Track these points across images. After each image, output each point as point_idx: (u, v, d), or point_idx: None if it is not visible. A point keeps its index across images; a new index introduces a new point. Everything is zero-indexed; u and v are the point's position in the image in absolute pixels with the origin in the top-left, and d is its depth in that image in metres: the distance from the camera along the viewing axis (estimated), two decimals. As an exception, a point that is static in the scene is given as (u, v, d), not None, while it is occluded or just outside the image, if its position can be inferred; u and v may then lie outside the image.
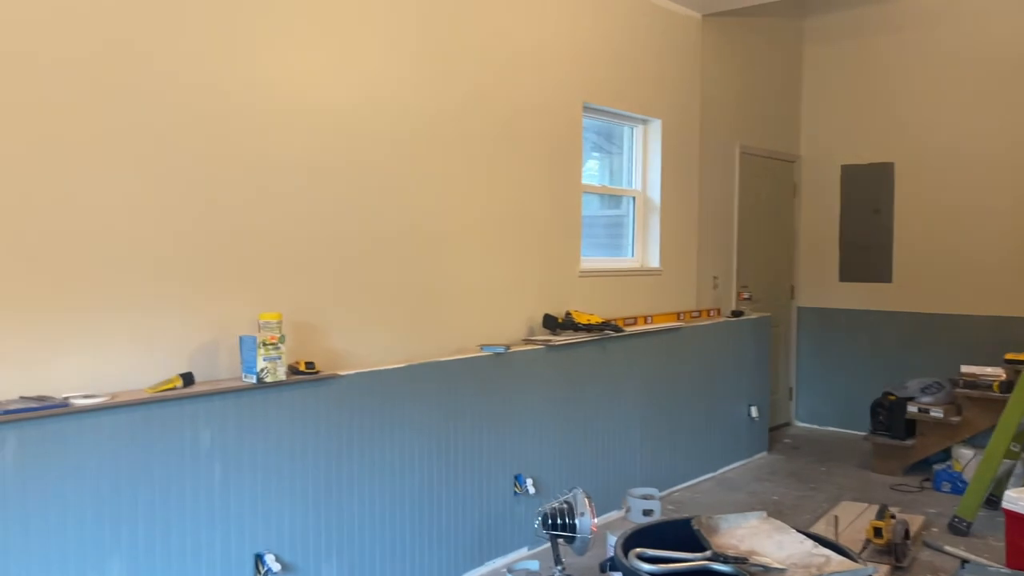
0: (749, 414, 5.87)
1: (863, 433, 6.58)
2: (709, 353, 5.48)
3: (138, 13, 2.84)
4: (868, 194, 6.66)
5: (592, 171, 5.34)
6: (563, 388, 4.36)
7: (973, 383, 5.20)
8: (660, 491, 5.06)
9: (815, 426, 6.99)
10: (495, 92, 4.23)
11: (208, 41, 3.03)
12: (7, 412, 2.37)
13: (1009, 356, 5.05)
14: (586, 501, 3.11)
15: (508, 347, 4.06)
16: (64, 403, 2.50)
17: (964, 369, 5.27)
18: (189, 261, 3.00)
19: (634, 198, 5.49)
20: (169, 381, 2.80)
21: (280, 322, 3.02)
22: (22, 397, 2.54)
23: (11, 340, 2.55)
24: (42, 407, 2.44)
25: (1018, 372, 4.84)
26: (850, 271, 6.78)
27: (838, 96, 6.80)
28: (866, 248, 6.68)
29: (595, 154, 5.46)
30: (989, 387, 5.10)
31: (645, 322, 5.20)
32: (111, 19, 2.77)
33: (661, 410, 5.07)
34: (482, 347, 4.02)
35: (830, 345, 6.87)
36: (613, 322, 4.74)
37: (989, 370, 5.18)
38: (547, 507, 3.25)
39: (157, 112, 2.89)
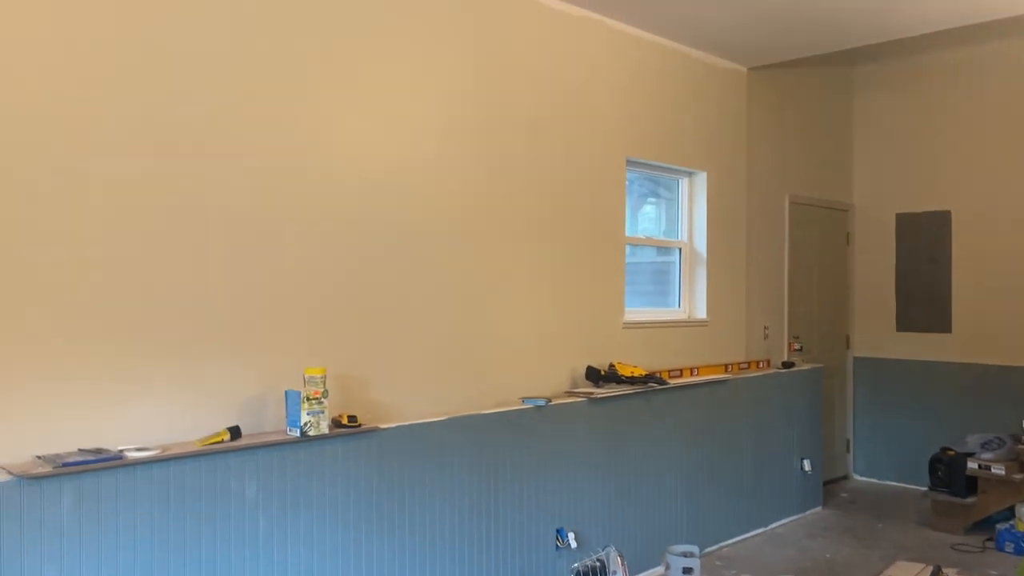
0: (802, 467, 5.76)
1: (923, 488, 6.37)
2: (758, 405, 5.42)
3: (191, 99, 3.04)
4: (924, 243, 6.54)
5: (649, 215, 5.41)
6: (606, 441, 4.37)
7: (1036, 439, 5.01)
8: (707, 546, 4.99)
9: (874, 480, 6.80)
10: (539, 148, 4.35)
11: (265, 118, 3.22)
12: (67, 464, 2.53)
13: (1073, 412, 4.86)
14: (618, 559, 3.12)
15: (550, 400, 4.11)
16: (119, 455, 2.65)
17: (1027, 424, 5.09)
18: (240, 318, 3.15)
19: (680, 249, 5.52)
20: (218, 435, 2.93)
21: (324, 377, 3.14)
22: (80, 450, 2.69)
23: (72, 393, 2.72)
24: (98, 459, 2.59)
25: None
26: (907, 321, 6.64)
27: (891, 144, 6.73)
28: (924, 298, 6.54)
29: (651, 199, 5.53)
30: (1053, 444, 4.91)
31: (691, 374, 5.19)
32: (175, 103, 2.98)
33: (707, 464, 5.02)
34: (523, 400, 4.08)
35: (888, 396, 6.71)
36: (657, 374, 4.75)
37: (1052, 426, 4.99)
38: (580, 564, 3.26)
39: (217, 185, 3.08)
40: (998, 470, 5.17)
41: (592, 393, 4.34)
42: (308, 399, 3.08)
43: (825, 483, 6.51)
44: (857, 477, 6.90)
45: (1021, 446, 5.08)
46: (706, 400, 5.03)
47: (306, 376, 3.13)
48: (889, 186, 6.74)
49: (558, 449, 4.11)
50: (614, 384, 4.56)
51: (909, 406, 6.58)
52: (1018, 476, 5.11)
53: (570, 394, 4.38)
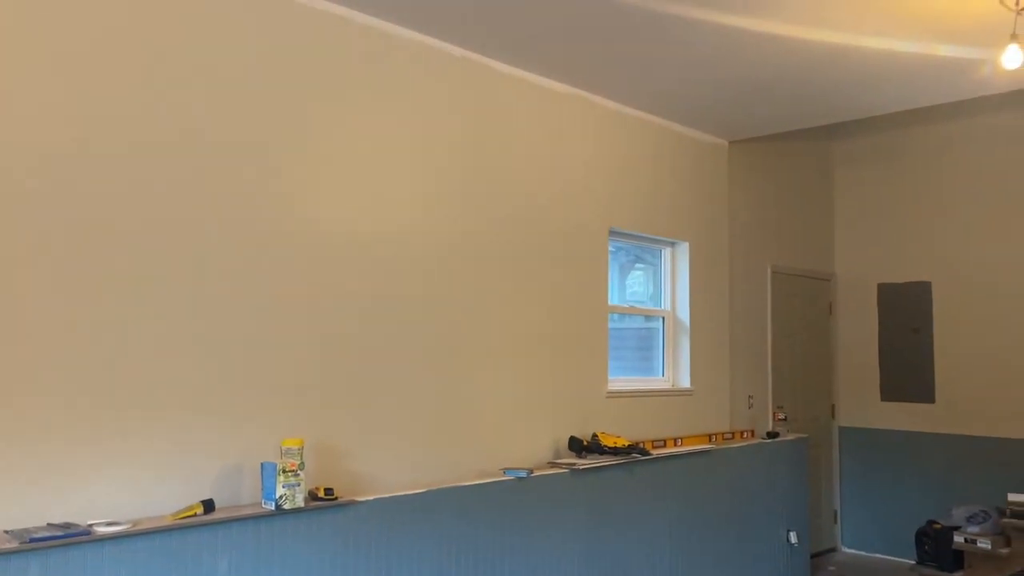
0: (788, 540, 5.69)
1: (911, 562, 6.29)
2: (743, 476, 5.38)
3: (166, 165, 3.09)
4: (906, 313, 6.60)
5: (638, 279, 5.47)
6: (588, 513, 4.32)
7: (1021, 513, 4.99)
8: (692, 622, 4.89)
9: (862, 552, 6.72)
10: (523, 218, 4.41)
11: (243, 187, 3.27)
12: (33, 540, 2.48)
13: (1056, 486, 4.85)
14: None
15: (531, 471, 4.07)
16: (87, 531, 2.60)
17: (1011, 498, 5.08)
18: (217, 388, 3.14)
19: (663, 318, 5.55)
20: (190, 508, 2.89)
21: (301, 448, 3.11)
22: (49, 524, 2.65)
23: (41, 466, 2.69)
24: (66, 535, 2.54)
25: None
26: (892, 391, 6.65)
27: (872, 215, 6.85)
28: (907, 368, 6.57)
29: (640, 264, 5.59)
30: (1038, 518, 4.89)
31: (675, 444, 5.16)
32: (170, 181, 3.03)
33: (692, 536, 4.96)
34: (504, 471, 4.04)
35: (875, 467, 6.67)
36: (641, 444, 4.72)
37: (1037, 499, 4.97)
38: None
39: (190, 252, 3.10)
40: (984, 544, 5.12)
41: (575, 464, 4.31)
42: (284, 471, 3.05)
43: (813, 556, 6.42)
44: (845, 549, 6.81)
45: (1006, 520, 5.04)
46: (690, 471, 4.99)
47: (283, 448, 3.11)
48: (870, 256, 6.84)
49: (540, 522, 4.06)
50: (597, 455, 4.53)
51: (896, 477, 6.54)
52: (1004, 550, 5.06)
53: (553, 465, 4.34)
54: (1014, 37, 3.44)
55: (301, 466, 3.09)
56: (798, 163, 6.69)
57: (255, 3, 3.33)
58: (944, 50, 4.08)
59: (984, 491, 6.00)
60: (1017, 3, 3.43)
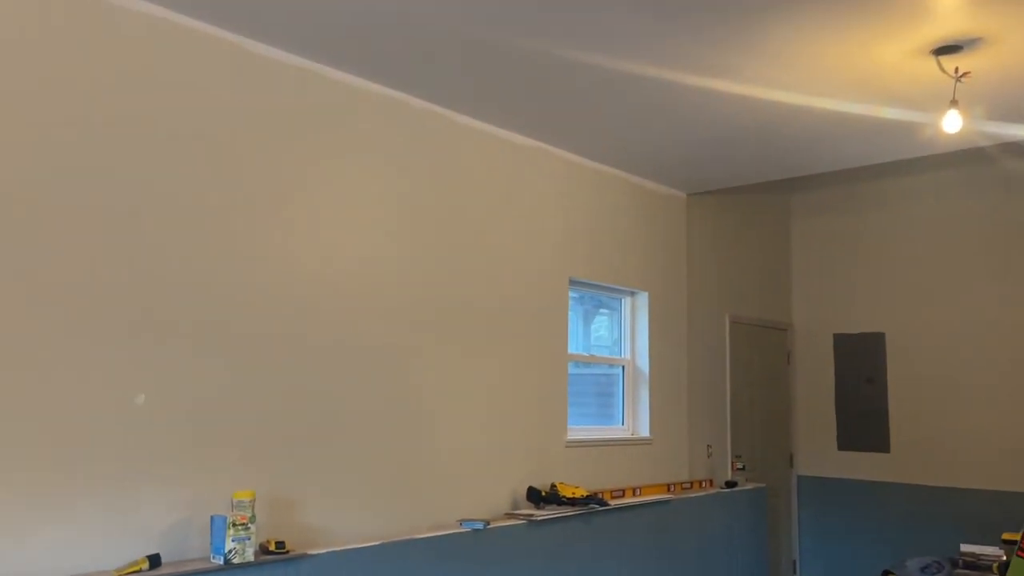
0: (746, 591, 5.69)
1: (869, 612, 6.31)
2: (702, 526, 5.39)
3: (117, 218, 3.09)
4: (861, 363, 6.72)
5: (603, 324, 5.52)
6: (546, 565, 4.29)
7: (973, 564, 5.04)
8: (650, 676, 4.85)
9: (821, 602, 6.73)
10: (484, 267, 4.44)
11: (193, 239, 3.27)
12: (-32, 598, 2.41)
13: (1006, 536, 4.92)
14: None
15: (488, 522, 4.04)
16: (27, 588, 2.53)
17: (964, 548, 5.13)
18: (166, 439, 3.09)
19: (623, 367, 5.59)
20: (135, 564, 2.83)
21: (252, 501, 3.07)
22: (-14, 581, 2.57)
23: (-16, 522, 2.62)
24: (4, 592, 2.47)
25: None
26: (848, 440, 6.74)
27: (827, 267, 7.00)
28: (862, 417, 6.66)
29: (603, 311, 5.64)
30: (989, 568, 4.95)
31: (634, 494, 5.16)
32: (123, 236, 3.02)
33: (650, 587, 4.94)
34: (461, 522, 4.01)
35: (833, 516, 6.72)
36: (599, 495, 4.72)
37: (988, 550, 5.03)
38: None
39: (139, 303, 3.08)
40: (938, 595, 5.16)
41: (532, 515, 4.29)
42: (234, 525, 3.00)
43: (771, 606, 6.42)
44: (804, 599, 6.82)
45: (959, 571, 5.09)
46: (649, 521, 4.99)
47: (234, 500, 3.06)
48: (826, 307, 6.97)
49: (498, 574, 4.02)
50: (555, 505, 4.51)
51: (854, 526, 6.60)
52: (958, 601, 5.10)
53: (510, 516, 4.32)
54: (954, 103, 3.59)
55: (252, 519, 3.05)
56: (756, 215, 6.84)
57: (218, 56, 3.36)
58: (891, 113, 4.23)
59: (938, 541, 6.07)
60: (956, 71, 3.59)
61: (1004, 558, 5.01)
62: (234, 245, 3.36)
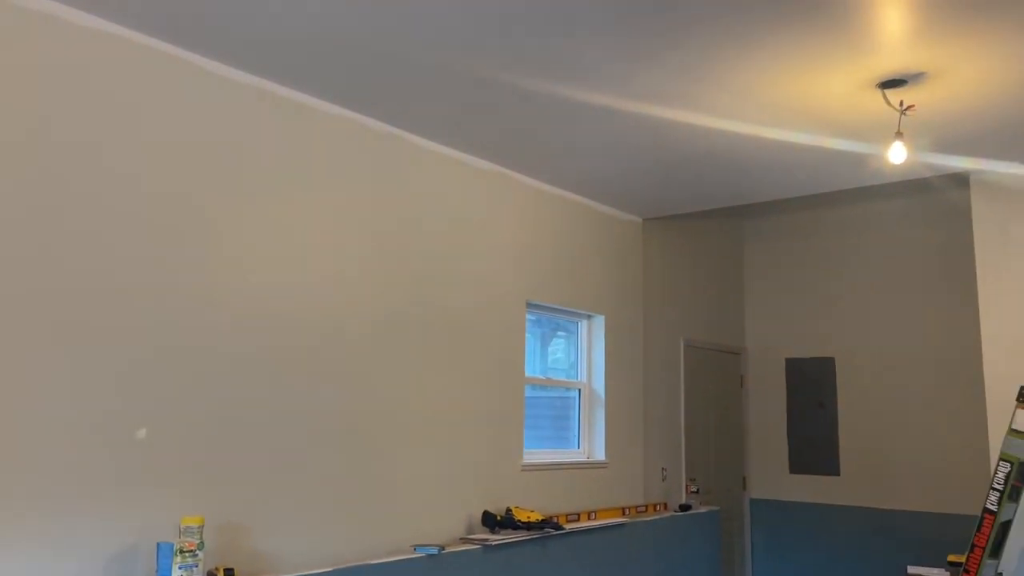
0: (700, 614, 5.71)
1: (820, 634, 6.38)
2: (656, 549, 5.41)
3: (63, 238, 3.02)
4: (812, 387, 6.84)
5: (561, 347, 5.54)
6: (500, 590, 4.26)
7: (920, 585, 5.13)
8: None
9: (773, 625, 6.78)
10: (441, 290, 4.43)
11: (139, 260, 3.21)
12: None
13: (952, 558, 5.03)
14: None
15: (443, 548, 4.01)
16: (-40, 619, 2.44)
17: (911, 570, 5.22)
18: (110, 465, 3.01)
19: (580, 390, 5.61)
20: (77, 592, 2.74)
21: (201, 527, 3.00)
22: (-83, 612, 2.47)
23: (-84, 550, 2.52)
24: (-65, 624, 2.37)
25: None
26: (799, 463, 6.83)
27: (779, 292, 7.13)
28: (813, 441, 6.77)
29: (561, 333, 5.66)
30: (935, 590, 5.04)
31: (589, 518, 5.16)
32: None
33: (605, 612, 4.93)
34: (415, 547, 3.97)
35: (785, 539, 6.80)
36: (555, 519, 4.71)
37: (935, 572, 5.13)
38: None
39: (85, 324, 3.01)
40: (887, 617, 5.24)
41: (487, 540, 4.26)
42: (181, 551, 2.93)
43: (725, 629, 6.45)
44: (757, 622, 6.86)
45: (907, 592, 5.18)
46: (604, 545, 4.99)
47: (182, 526, 2.99)
48: (778, 332, 7.09)
49: (450, 600, 3.98)
50: (511, 530, 4.49)
51: (805, 549, 6.68)
52: (906, 623, 5.18)
53: (465, 541, 4.28)
54: (899, 135, 3.70)
55: (200, 545, 2.98)
56: (711, 240, 6.95)
57: (174, 74, 3.33)
58: (839, 143, 4.35)
59: (887, 563, 6.17)
60: (901, 104, 3.71)
61: (950, 579, 5.10)
62: (183, 264, 3.31)
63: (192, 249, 3.33)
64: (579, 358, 5.68)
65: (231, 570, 3.11)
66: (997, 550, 4.26)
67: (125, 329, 3.09)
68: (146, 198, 3.20)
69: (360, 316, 3.99)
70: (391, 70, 3.53)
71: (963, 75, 3.50)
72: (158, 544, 2.98)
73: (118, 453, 3.03)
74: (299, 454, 3.65)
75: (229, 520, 3.35)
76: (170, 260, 3.25)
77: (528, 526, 4.49)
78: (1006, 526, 4.28)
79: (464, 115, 4.06)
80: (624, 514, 5.47)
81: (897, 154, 3.71)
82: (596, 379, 5.64)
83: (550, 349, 5.62)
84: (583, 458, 5.49)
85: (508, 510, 4.55)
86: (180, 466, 3.21)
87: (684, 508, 5.86)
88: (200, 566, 2.97)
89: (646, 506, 5.74)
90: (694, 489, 6.25)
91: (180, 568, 2.92)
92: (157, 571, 2.96)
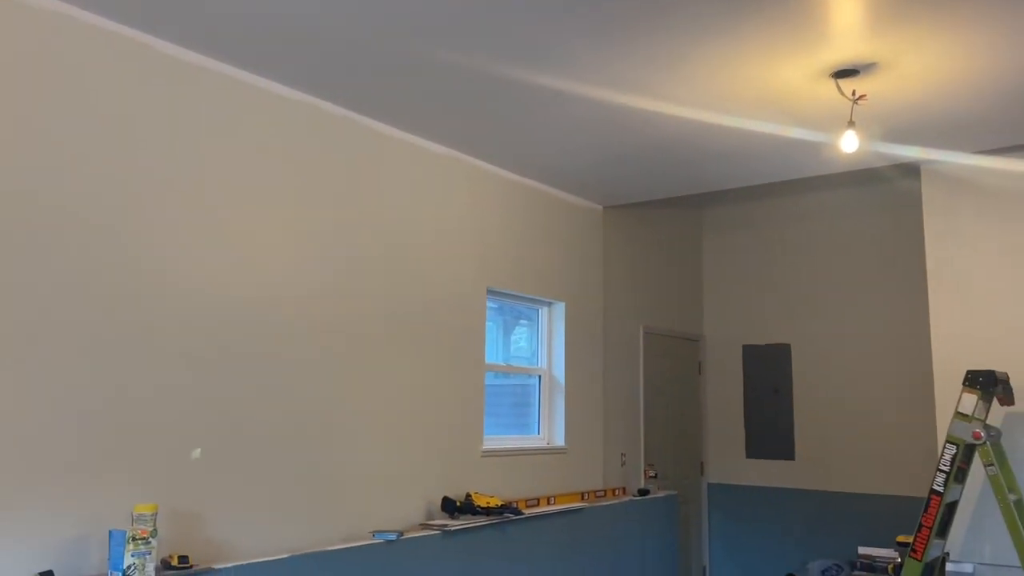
0: (658, 597, 5.79)
1: (775, 615, 6.52)
2: (615, 533, 5.47)
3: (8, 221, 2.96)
4: (768, 373, 6.96)
5: (523, 336, 5.55)
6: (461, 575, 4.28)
7: (870, 566, 5.27)
8: None
9: (729, 607, 6.91)
10: (399, 276, 4.42)
11: (93, 241, 3.15)
12: None
13: (900, 538, 5.17)
14: None
15: (402, 533, 4.01)
16: (-97, 609, 2.38)
17: (861, 551, 5.36)
18: (61, 450, 2.96)
19: (540, 376, 5.64)
20: (25, 581, 2.69)
21: (155, 514, 2.97)
22: None
23: None
24: None
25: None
26: (756, 448, 6.95)
27: (737, 280, 7.23)
28: (769, 426, 6.89)
29: (524, 321, 5.68)
30: (884, 570, 5.18)
31: (548, 503, 5.20)
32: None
33: (564, 595, 4.98)
34: (374, 533, 3.97)
35: (742, 522, 6.92)
36: (514, 504, 4.74)
37: (884, 552, 5.27)
38: None
39: (33, 306, 2.96)
40: (838, 596, 5.36)
41: (447, 525, 4.28)
42: (134, 539, 2.89)
43: (682, 612, 6.55)
44: (714, 604, 6.98)
45: (857, 572, 5.31)
46: (563, 529, 5.03)
47: (135, 514, 2.95)
48: (736, 319, 7.19)
49: (408, 585, 3.99)
50: (470, 515, 4.51)
51: (761, 531, 6.80)
52: (856, 602, 5.31)
53: (424, 526, 4.29)
54: (851, 124, 3.77)
55: (153, 533, 2.94)
56: (670, 229, 7.01)
57: (110, 49, 3.26)
58: (793, 132, 4.42)
59: (839, 544, 6.32)
60: (854, 93, 3.78)
61: (899, 560, 5.25)
62: (124, 249, 3.25)
63: (141, 234, 3.27)
64: (539, 345, 5.70)
65: (185, 557, 3.08)
66: (944, 530, 4.39)
67: (72, 319, 3.03)
68: (79, 181, 3.13)
69: (318, 303, 3.97)
70: (348, 54, 3.50)
71: (913, 65, 3.57)
72: (110, 532, 2.94)
73: (67, 441, 2.98)
74: (256, 441, 3.62)
75: (184, 508, 3.31)
76: (107, 248, 3.20)
77: (487, 511, 4.51)
78: (952, 507, 4.40)
79: (423, 100, 4.04)
80: (583, 499, 5.52)
81: (849, 143, 3.77)
82: (556, 366, 5.67)
83: (513, 337, 5.64)
84: (543, 444, 5.52)
85: (468, 496, 4.57)
86: (132, 453, 3.16)
87: (643, 493, 5.93)
88: (153, 554, 2.94)
89: (605, 491, 5.80)
90: (652, 474, 6.33)
91: (133, 556, 2.89)
92: (109, 559, 2.92)
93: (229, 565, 3.24)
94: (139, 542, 2.91)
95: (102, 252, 3.13)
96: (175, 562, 3.05)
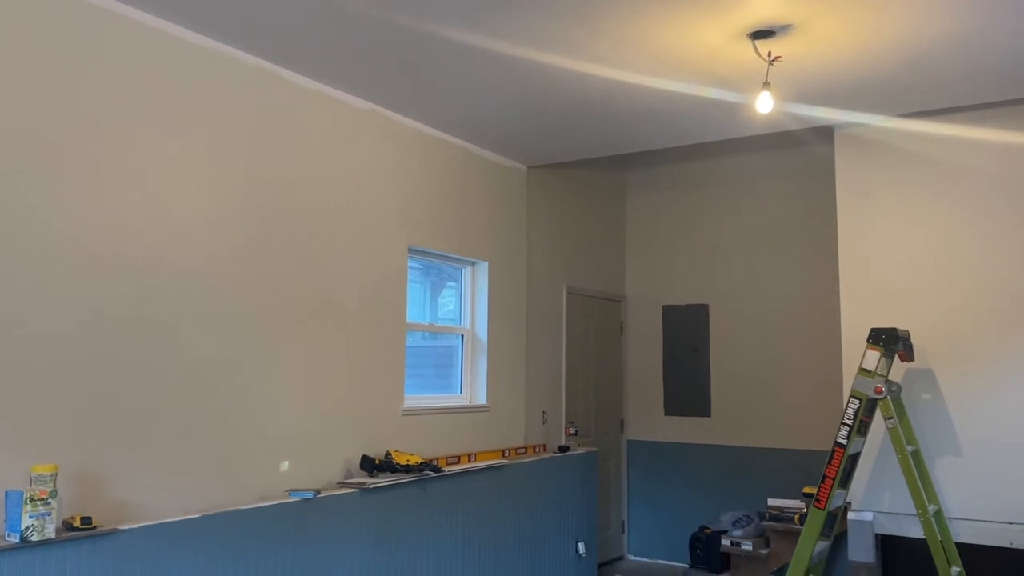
0: (576, 551, 5.92)
1: (686, 565, 6.74)
2: (534, 490, 5.55)
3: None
4: (687, 333, 7.11)
5: (451, 299, 5.52)
6: (379, 532, 4.28)
7: (778, 516, 5.49)
8: (483, 636, 4.96)
9: (647, 559, 7.11)
10: (317, 232, 4.32)
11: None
12: None
13: (806, 490, 5.39)
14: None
15: (319, 492, 3.98)
16: None
17: (770, 502, 5.57)
18: (-46, 411, 2.82)
19: (463, 336, 5.63)
20: (-88, 545, 2.57)
21: (55, 475, 2.86)
22: None
23: None
24: None
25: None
26: (674, 406, 7.12)
27: (658, 241, 7.34)
28: (687, 384, 7.07)
29: (451, 283, 5.64)
30: (791, 520, 5.40)
31: (469, 460, 5.23)
32: None
33: (484, 550, 5.04)
34: (289, 492, 3.92)
35: (659, 478, 7.11)
36: (434, 462, 4.75)
37: (791, 503, 5.49)
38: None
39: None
40: (747, 547, 5.58)
41: (364, 483, 4.26)
42: (32, 500, 2.79)
43: (600, 565, 6.72)
44: (632, 557, 7.18)
45: (766, 523, 5.53)
46: (483, 486, 5.08)
47: (33, 475, 2.84)
48: (656, 279, 7.31)
49: (328, 543, 3.97)
50: (389, 473, 4.50)
51: (678, 486, 7.00)
52: (764, 551, 5.54)
53: (342, 485, 4.27)
54: (766, 85, 3.83)
55: (53, 494, 2.84)
56: (593, 190, 7.05)
57: (15, -10, 3.06)
58: (712, 92, 4.46)
59: (751, 496, 6.57)
60: (770, 55, 3.83)
61: (804, 509, 5.48)
62: (24, 201, 3.09)
63: (42, 186, 3.11)
64: (463, 304, 5.69)
65: (89, 518, 2.99)
66: (846, 480, 4.59)
67: (-36, 267, 2.87)
68: (-15, 125, 2.95)
69: (232, 261, 3.85)
70: (264, 1, 3.36)
71: (827, 28, 3.63)
72: (6, 493, 2.82)
73: (-41, 399, 2.84)
74: (165, 402, 3.52)
75: (87, 469, 3.21)
76: (16, 196, 3.03)
77: (407, 469, 4.51)
78: (854, 458, 4.60)
79: (339, 53, 3.93)
80: (504, 456, 5.57)
81: (764, 104, 3.83)
82: (479, 325, 5.68)
83: (441, 300, 5.60)
84: (465, 402, 5.54)
85: (387, 454, 4.56)
86: (31, 414, 3.04)
87: (563, 450, 6.02)
88: (53, 515, 2.84)
89: (526, 448, 5.87)
90: (573, 431, 6.43)
91: (31, 517, 2.78)
92: (6, 520, 2.81)
93: (136, 526, 3.16)
94: (37, 503, 2.80)
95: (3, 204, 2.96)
96: (77, 523, 2.96)
